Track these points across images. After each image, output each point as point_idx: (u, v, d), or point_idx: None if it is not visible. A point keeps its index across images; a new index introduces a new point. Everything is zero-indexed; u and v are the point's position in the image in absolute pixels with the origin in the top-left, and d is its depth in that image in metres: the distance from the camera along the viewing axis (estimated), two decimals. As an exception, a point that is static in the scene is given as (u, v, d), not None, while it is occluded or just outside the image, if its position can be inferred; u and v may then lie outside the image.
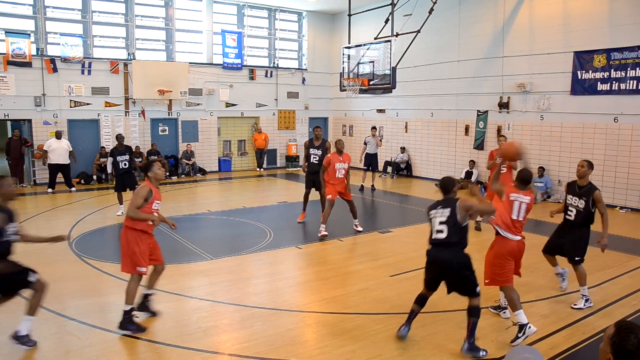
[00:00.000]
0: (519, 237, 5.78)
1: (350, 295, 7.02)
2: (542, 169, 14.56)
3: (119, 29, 18.32)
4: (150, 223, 5.89)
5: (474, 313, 5.31)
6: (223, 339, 5.72)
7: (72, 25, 17.40)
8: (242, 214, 12.41)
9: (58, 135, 15.65)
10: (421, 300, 5.63)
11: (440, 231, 5.29)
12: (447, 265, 5.30)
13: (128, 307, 5.77)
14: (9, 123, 19.17)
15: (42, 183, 16.44)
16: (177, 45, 19.39)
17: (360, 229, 10.67)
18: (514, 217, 5.74)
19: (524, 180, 5.88)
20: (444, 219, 5.29)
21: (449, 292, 5.50)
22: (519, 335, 5.53)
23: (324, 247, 9.66)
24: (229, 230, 10.97)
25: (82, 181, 17.11)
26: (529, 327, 5.54)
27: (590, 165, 6.68)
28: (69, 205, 13.47)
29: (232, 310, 6.52)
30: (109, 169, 12.41)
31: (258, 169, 21.02)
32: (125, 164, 11.84)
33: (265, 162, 21.31)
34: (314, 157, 11.12)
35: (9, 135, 17.35)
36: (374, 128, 17.50)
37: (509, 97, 15.59)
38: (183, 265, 8.37)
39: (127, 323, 5.74)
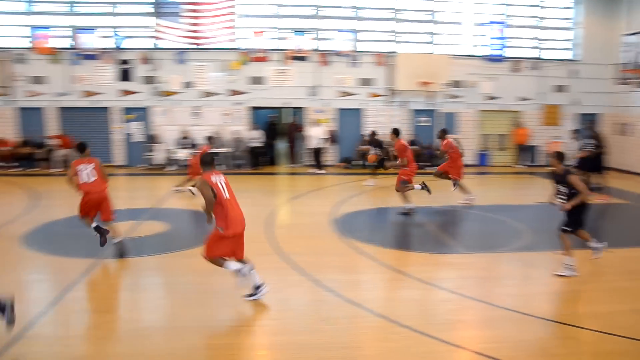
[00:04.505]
0: None
1: (618, 314, 6.14)
2: None
3: (385, 24, 19.28)
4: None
5: None
6: (468, 334, 5.64)
7: (343, 22, 18.96)
8: (497, 210, 11.95)
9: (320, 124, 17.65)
10: None
11: None
12: None
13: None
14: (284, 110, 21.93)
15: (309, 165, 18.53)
16: (438, 38, 19.51)
17: None
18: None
19: (207, 163, 6.28)
20: None
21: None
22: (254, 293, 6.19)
23: (585, 256, 8.61)
24: (483, 225, 10.71)
25: (345, 165, 18.81)
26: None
27: None
28: (328, 189, 14.80)
29: (480, 307, 6.36)
30: None
31: (517, 165, 19.89)
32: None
33: (532, 158, 20.12)
34: None
35: (289, 121, 19.84)
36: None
37: None
38: (435, 255, 8.51)
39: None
